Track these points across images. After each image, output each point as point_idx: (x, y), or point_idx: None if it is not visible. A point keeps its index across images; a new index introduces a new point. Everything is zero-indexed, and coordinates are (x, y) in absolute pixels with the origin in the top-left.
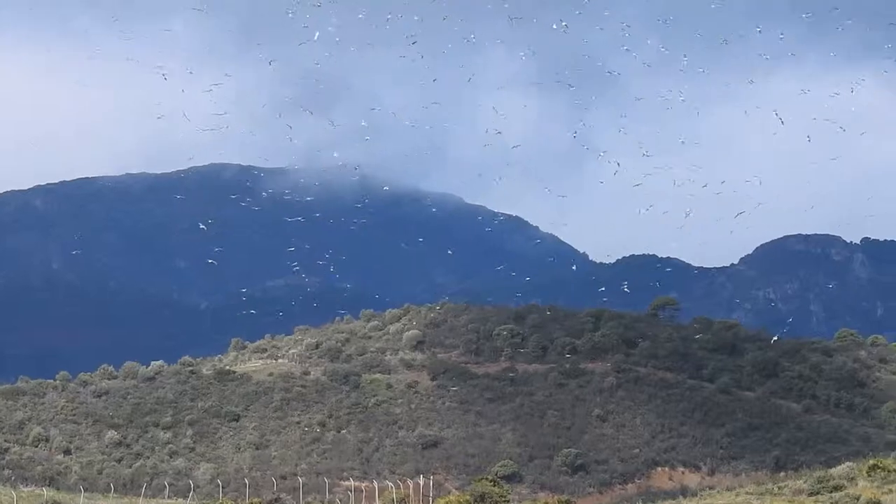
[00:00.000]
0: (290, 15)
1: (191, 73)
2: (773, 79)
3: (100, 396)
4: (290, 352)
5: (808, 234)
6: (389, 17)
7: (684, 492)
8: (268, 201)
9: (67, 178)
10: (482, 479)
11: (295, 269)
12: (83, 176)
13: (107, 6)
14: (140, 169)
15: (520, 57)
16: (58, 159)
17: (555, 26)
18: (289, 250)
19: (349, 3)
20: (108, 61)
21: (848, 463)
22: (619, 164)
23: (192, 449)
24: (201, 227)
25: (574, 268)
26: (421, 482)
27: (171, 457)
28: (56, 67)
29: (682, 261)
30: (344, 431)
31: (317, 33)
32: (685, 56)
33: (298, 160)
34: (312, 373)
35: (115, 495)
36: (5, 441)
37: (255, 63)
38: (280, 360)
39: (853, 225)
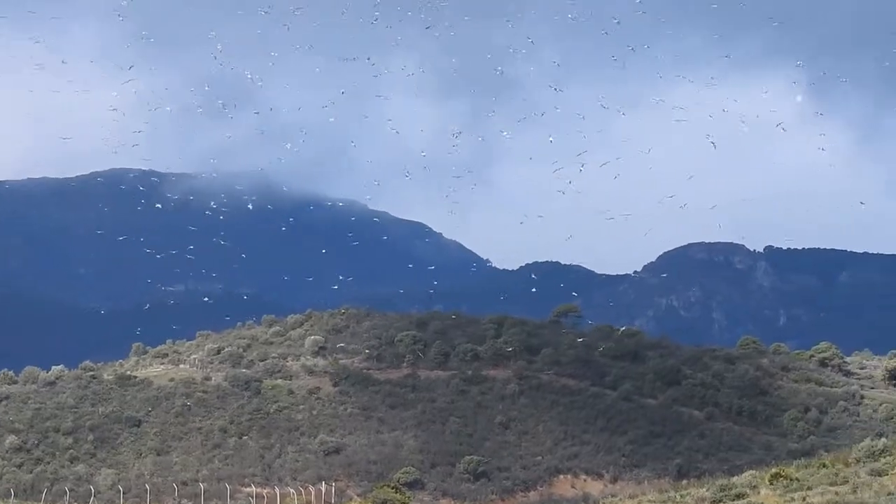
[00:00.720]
0: (194, 17)
1: (93, 77)
2: (678, 85)
3: (0, 401)
4: (192, 357)
5: (712, 242)
6: (288, 25)
7: (587, 499)
8: (170, 206)
9: None
10: (384, 485)
11: (197, 274)
12: None
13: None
14: (42, 173)
15: (425, 63)
16: None
17: (453, 33)
18: (190, 257)
19: (252, 7)
20: (8, 63)
21: (750, 471)
22: (525, 168)
23: (93, 454)
24: (99, 232)
25: (474, 271)
26: (323, 489)
27: (71, 462)
28: None
29: (584, 268)
30: (245, 437)
31: (219, 45)
32: (591, 62)
33: (202, 165)
34: (214, 378)
35: (15, 501)
36: None
37: (158, 67)
38: (181, 366)
39: (756, 233)
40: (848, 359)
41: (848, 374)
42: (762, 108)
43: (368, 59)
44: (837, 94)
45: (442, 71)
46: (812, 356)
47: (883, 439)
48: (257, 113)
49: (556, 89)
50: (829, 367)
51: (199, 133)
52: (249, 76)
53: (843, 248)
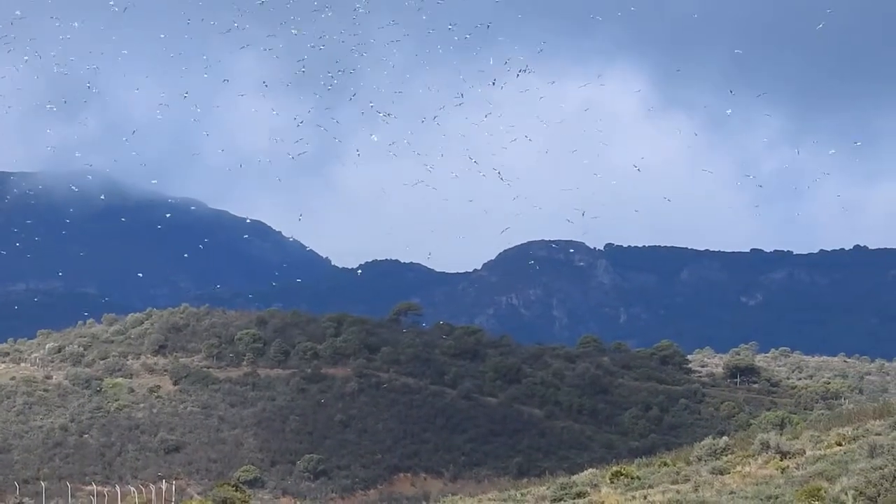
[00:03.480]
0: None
1: None
2: (520, 79)
3: None
4: (33, 356)
5: (552, 239)
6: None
7: (426, 497)
8: (12, 205)
9: None
10: (224, 484)
11: (38, 272)
12: None
13: None
14: None
15: (269, 59)
16: None
17: (293, 31)
18: (28, 255)
19: (98, 10)
20: None
21: (591, 469)
22: (366, 167)
23: None
24: None
25: (313, 269)
26: (163, 487)
27: None
28: None
29: (424, 266)
30: (86, 436)
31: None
32: (435, 60)
33: (43, 164)
34: (55, 377)
35: None
36: None
37: (2, 65)
38: (23, 364)
39: (597, 231)
40: (689, 356)
41: (689, 371)
42: (605, 103)
43: (218, 44)
44: (681, 88)
45: (285, 69)
46: (653, 354)
47: (724, 437)
48: (100, 112)
49: (398, 91)
50: (671, 365)
51: (41, 131)
52: (96, 68)
53: (684, 246)
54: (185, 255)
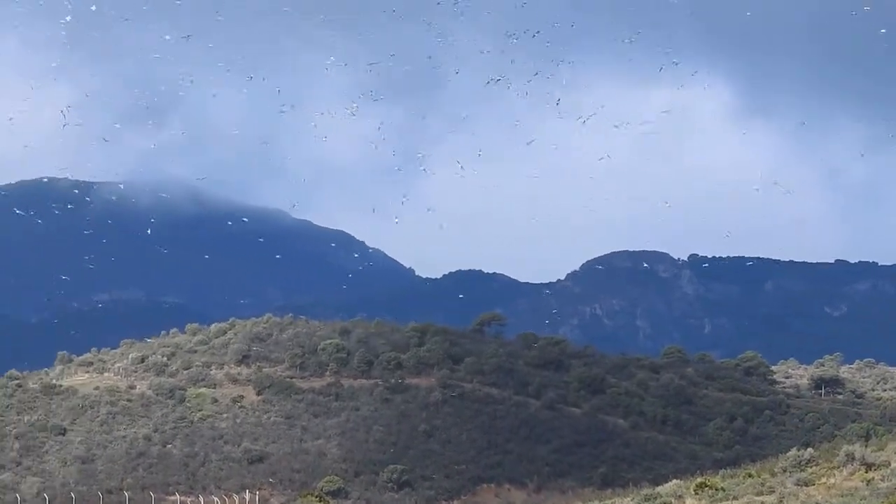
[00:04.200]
0: (126, 21)
1: (17, 85)
2: (601, 89)
3: None
4: (116, 366)
5: (636, 250)
6: (225, 43)
7: None
8: (96, 214)
9: None
10: (308, 494)
11: (121, 283)
12: None
13: None
14: None
15: (354, 68)
16: None
17: (382, 40)
18: (112, 265)
19: (180, 16)
20: None
21: (675, 480)
22: (451, 176)
23: (19, 463)
24: (26, 240)
25: (397, 279)
26: (246, 497)
27: None
28: None
29: (508, 276)
30: (169, 446)
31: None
32: (523, 70)
33: (129, 174)
34: (138, 387)
35: None
36: None
37: (87, 75)
38: (106, 374)
39: (681, 241)
40: (773, 368)
41: (773, 383)
42: (689, 112)
43: (300, 57)
44: (768, 97)
45: (371, 78)
46: (737, 365)
47: (809, 449)
48: (185, 121)
49: (484, 100)
50: (755, 377)
51: (125, 140)
52: (182, 77)
53: (769, 257)
54: (269, 265)
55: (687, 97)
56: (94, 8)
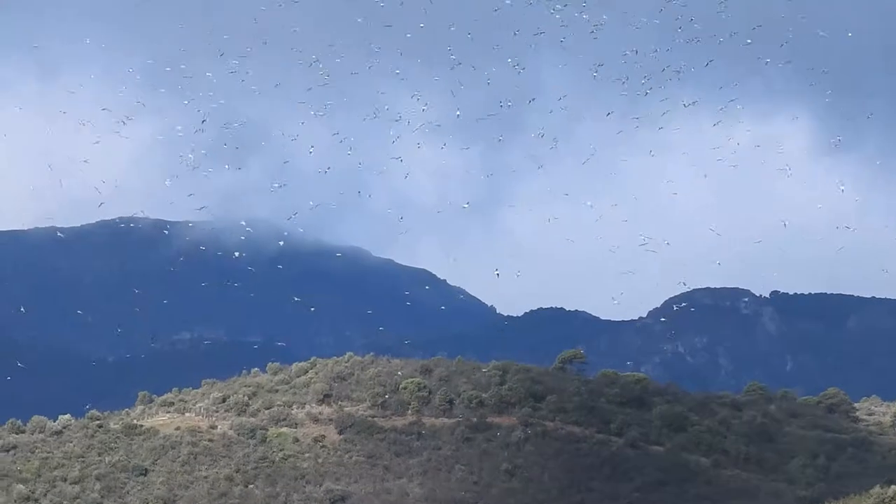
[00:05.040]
0: (211, 59)
1: (100, 121)
2: (683, 124)
3: (7, 451)
4: (198, 405)
5: (717, 287)
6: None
7: None
8: (178, 253)
9: None
10: None
11: (203, 321)
12: None
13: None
14: (49, 222)
15: (435, 104)
16: None
17: (462, 79)
18: (194, 304)
19: (265, 51)
20: (11, 110)
21: None
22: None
23: (100, 503)
24: (107, 279)
25: (478, 317)
26: None
27: None
28: None
29: (589, 313)
30: (251, 486)
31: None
32: (600, 105)
33: (208, 212)
34: (220, 427)
35: None
36: None
37: (169, 113)
38: (187, 414)
39: (763, 278)
40: (856, 405)
41: (856, 420)
42: (771, 146)
43: (383, 109)
44: (853, 131)
45: (452, 115)
46: (820, 402)
47: (893, 486)
48: (268, 159)
49: (555, 142)
50: (837, 414)
51: (207, 180)
52: (264, 115)
53: (851, 293)
54: (350, 304)
55: (770, 131)
56: (182, 50)
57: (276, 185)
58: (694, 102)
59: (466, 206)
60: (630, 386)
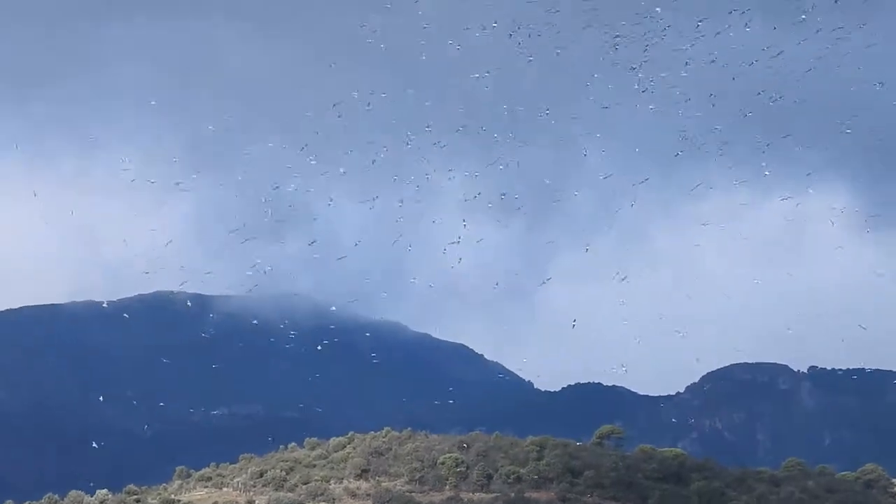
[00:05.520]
0: (249, 135)
1: (138, 196)
2: (720, 197)
3: None
4: (235, 480)
5: (755, 362)
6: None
7: None
8: (215, 328)
9: (13, 305)
10: None
11: (240, 396)
12: (29, 304)
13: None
14: (87, 296)
15: (474, 181)
16: (3, 286)
17: (504, 152)
18: (231, 378)
19: (301, 129)
20: (48, 185)
21: None
22: (568, 288)
23: None
24: (144, 353)
25: (519, 396)
26: None
27: None
28: None
29: (627, 389)
30: None
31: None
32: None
33: (247, 287)
34: (257, 502)
35: None
36: None
37: (207, 188)
38: (225, 489)
39: (799, 353)
40: (894, 480)
41: (894, 496)
42: (808, 221)
43: (424, 185)
44: (888, 204)
45: (491, 192)
46: (858, 478)
47: None
48: (305, 232)
49: (594, 219)
50: (876, 489)
51: (245, 254)
52: (301, 188)
53: (889, 368)
54: (388, 378)
55: (808, 205)
56: (211, 128)
57: (315, 258)
58: (747, 183)
59: (496, 286)
60: (667, 461)
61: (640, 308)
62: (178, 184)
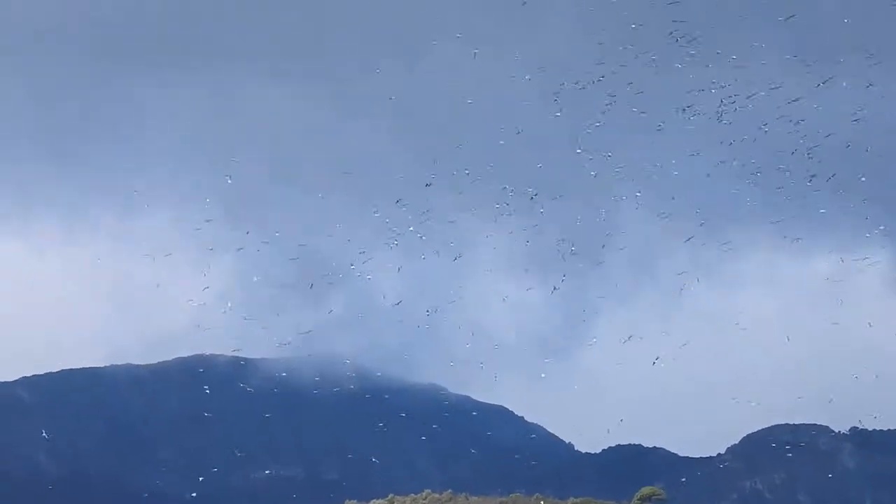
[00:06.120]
0: (290, 197)
1: (176, 260)
2: (758, 257)
3: None
4: None
5: (796, 423)
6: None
7: None
8: (255, 390)
9: (53, 370)
10: None
11: (280, 458)
12: (68, 367)
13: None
14: (125, 359)
15: (513, 238)
16: (43, 349)
17: (541, 210)
18: (271, 441)
19: (343, 189)
20: (86, 249)
21: None
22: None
23: None
24: (183, 416)
25: (559, 457)
26: None
27: None
28: (35, 253)
29: (667, 450)
30: None
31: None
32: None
33: (285, 349)
34: None
35: None
36: None
37: (247, 250)
38: None
39: (841, 414)
40: None
41: None
42: (849, 280)
43: (463, 244)
44: None
45: (530, 249)
46: None
47: None
48: (345, 293)
49: (632, 279)
50: None
51: (285, 315)
52: (345, 255)
53: None
54: (427, 440)
55: (849, 265)
56: (229, 181)
57: (355, 319)
58: (797, 240)
59: (536, 347)
60: None
61: (680, 369)
62: (211, 250)
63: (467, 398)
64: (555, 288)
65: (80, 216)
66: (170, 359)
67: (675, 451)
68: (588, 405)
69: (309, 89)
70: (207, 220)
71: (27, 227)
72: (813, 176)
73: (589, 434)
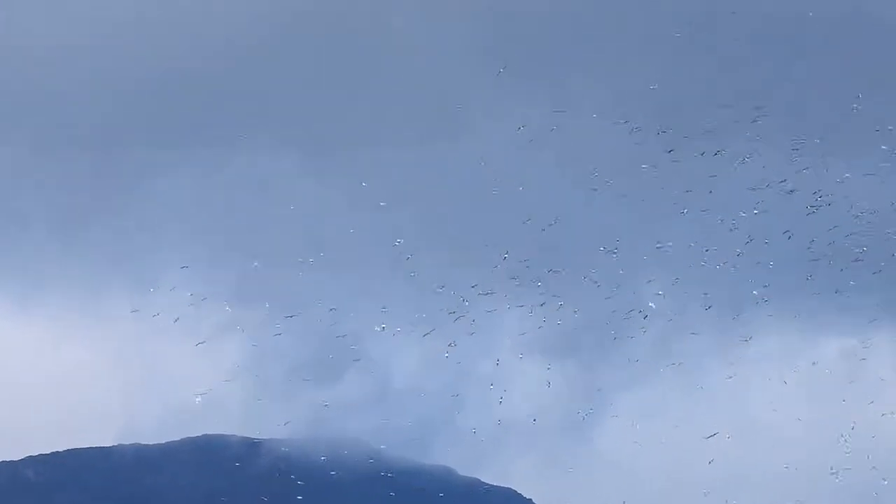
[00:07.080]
0: (300, 274)
1: (181, 336)
2: (773, 335)
3: None
4: None
5: None
6: (403, 292)
7: None
8: (264, 471)
9: (59, 448)
10: None
11: None
12: (75, 446)
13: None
14: (133, 439)
15: (528, 319)
16: (49, 429)
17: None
18: None
19: (362, 269)
20: (95, 328)
21: None
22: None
23: None
24: (191, 497)
25: None
26: None
27: None
28: (34, 331)
29: None
30: None
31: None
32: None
33: (296, 429)
34: None
35: None
36: None
37: (256, 329)
38: None
39: (850, 499)
40: None
41: None
42: (867, 362)
43: (477, 325)
44: None
45: (543, 330)
46: None
47: None
48: (358, 373)
49: (651, 360)
50: None
51: (297, 394)
52: (357, 334)
53: None
54: None
55: (867, 349)
56: (256, 265)
57: (368, 399)
58: (802, 326)
59: (534, 421)
60: None
61: (692, 451)
62: (220, 328)
63: (476, 480)
64: (566, 373)
65: (89, 295)
66: (178, 438)
67: None
68: (600, 487)
69: (326, 169)
70: (218, 299)
71: (30, 306)
72: (834, 263)
73: None
